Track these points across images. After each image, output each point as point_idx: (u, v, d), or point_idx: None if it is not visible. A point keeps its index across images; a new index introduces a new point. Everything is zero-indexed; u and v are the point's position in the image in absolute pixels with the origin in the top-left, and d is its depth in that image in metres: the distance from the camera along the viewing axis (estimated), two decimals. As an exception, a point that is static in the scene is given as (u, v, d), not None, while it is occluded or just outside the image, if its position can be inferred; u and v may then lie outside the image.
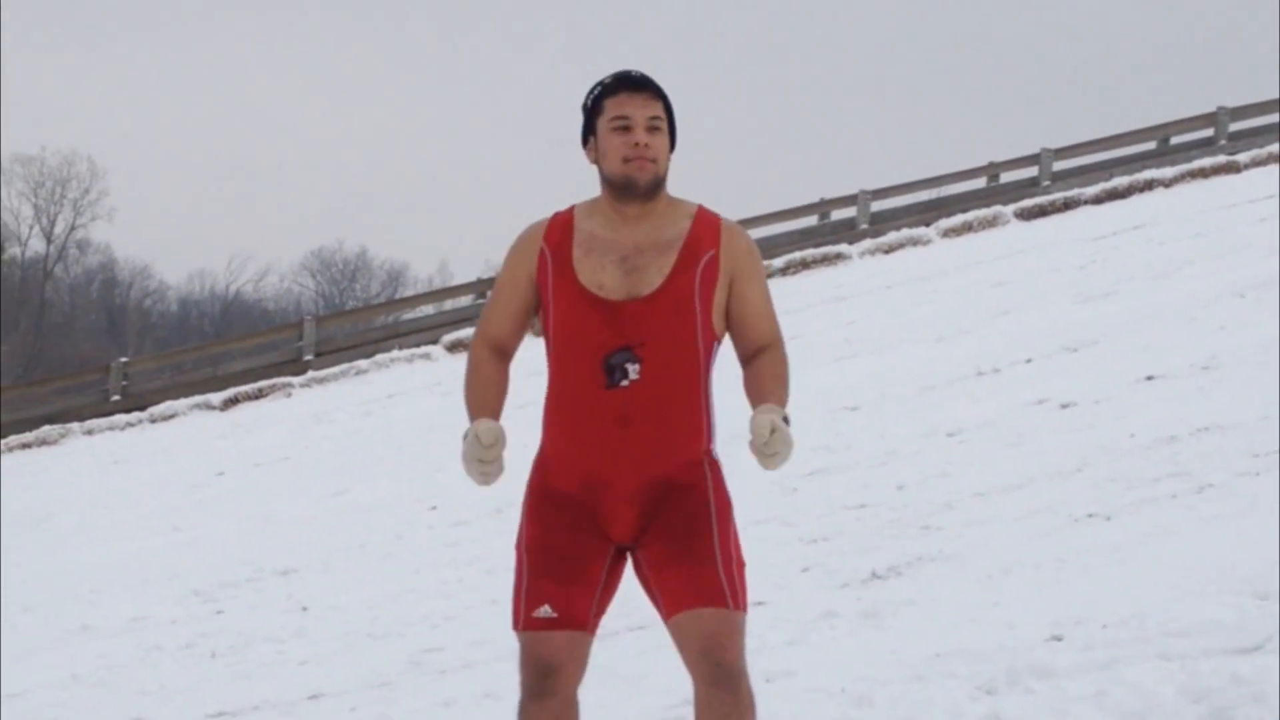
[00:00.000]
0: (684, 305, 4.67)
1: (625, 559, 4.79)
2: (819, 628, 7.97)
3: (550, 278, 4.74)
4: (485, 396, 4.78)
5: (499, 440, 4.65)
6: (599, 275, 4.69)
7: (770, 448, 4.49)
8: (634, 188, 4.69)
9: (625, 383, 4.65)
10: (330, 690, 8.47)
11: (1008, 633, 7.16)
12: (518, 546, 4.78)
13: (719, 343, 4.77)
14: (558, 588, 4.67)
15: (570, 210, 4.84)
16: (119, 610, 11.92)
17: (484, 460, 4.64)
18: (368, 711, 7.86)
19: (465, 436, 4.67)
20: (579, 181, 4.79)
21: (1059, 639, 6.93)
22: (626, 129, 4.69)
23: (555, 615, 4.66)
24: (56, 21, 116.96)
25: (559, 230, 4.79)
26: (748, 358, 4.75)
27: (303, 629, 10.36)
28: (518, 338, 4.86)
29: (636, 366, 4.64)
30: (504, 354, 4.86)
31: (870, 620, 7.95)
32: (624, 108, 4.70)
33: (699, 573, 4.61)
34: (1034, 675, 6.37)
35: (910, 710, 6.22)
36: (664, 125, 4.71)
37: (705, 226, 4.76)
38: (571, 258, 4.73)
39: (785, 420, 4.54)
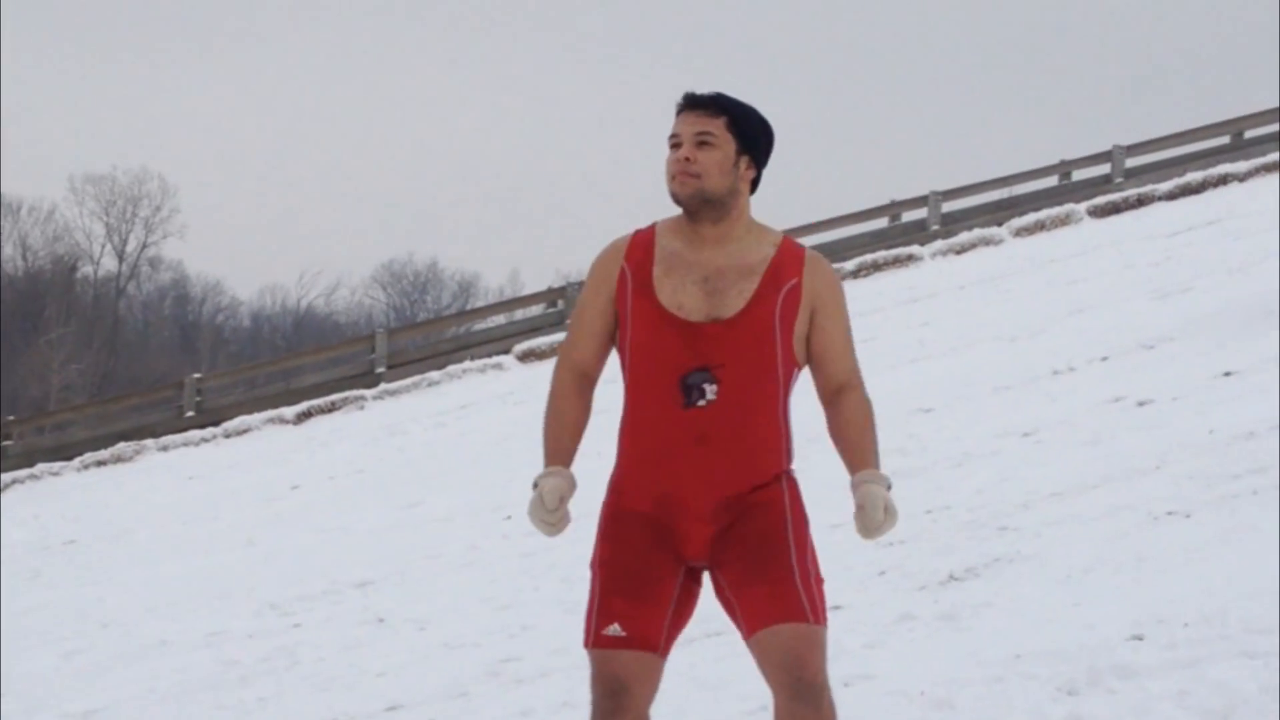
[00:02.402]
0: (764, 331, 4.63)
1: (699, 581, 4.76)
2: (897, 630, 7.92)
3: (630, 296, 4.71)
4: (560, 437, 4.77)
5: (564, 500, 4.69)
6: (679, 295, 4.66)
7: (883, 529, 4.59)
8: (678, 202, 4.67)
9: (702, 403, 4.62)
10: (408, 701, 8.47)
11: (1088, 633, 7.09)
12: (592, 564, 4.77)
13: (799, 369, 4.74)
14: (628, 606, 4.64)
15: (651, 228, 4.80)
16: (196, 625, 11.97)
17: (548, 522, 4.70)
18: (445, 722, 7.85)
19: (534, 486, 4.71)
20: (650, 189, 4.74)
21: (1140, 638, 6.85)
22: (677, 146, 4.68)
23: (625, 634, 4.62)
24: (124, 41, 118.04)
25: (640, 248, 4.75)
26: (828, 397, 4.74)
27: (379, 641, 10.36)
28: (602, 360, 4.83)
29: (714, 387, 4.61)
30: (588, 378, 4.82)
31: (949, 622, 7.90)
32: (677, 126, 4.69)
33: (778, 590, 4.58)
34: (1116, 675, 6.31)
35: (991, 712, 6.17)
36: (718, 140, 4.64)
37: (789, 255, 4.71)
38: (652, 276, 4.70)
39: (888, 488, 4.61)
